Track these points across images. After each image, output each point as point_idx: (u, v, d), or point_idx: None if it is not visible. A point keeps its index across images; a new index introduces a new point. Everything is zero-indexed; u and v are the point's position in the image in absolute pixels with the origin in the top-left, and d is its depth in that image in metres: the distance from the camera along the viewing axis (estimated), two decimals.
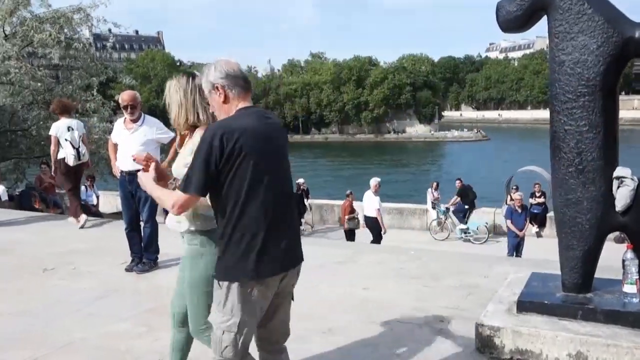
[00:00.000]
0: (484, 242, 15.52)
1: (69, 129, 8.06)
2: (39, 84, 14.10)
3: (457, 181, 17.48)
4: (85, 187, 15.49)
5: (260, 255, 2.48)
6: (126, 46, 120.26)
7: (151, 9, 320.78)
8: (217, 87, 2.59)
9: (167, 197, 2.60)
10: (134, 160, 3.03)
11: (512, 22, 3.62)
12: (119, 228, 6.63)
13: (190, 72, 3.05)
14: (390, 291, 5.08)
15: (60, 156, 8.11)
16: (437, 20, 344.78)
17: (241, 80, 2.62)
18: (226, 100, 2.60)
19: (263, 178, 2.49)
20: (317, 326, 4.23)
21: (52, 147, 8.15)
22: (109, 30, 17.90)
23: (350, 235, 14.02)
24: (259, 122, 2.56)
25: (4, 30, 13.49)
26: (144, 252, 6.00)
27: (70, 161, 8.07)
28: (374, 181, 13.29)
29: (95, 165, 15.77)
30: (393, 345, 3.91)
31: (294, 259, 2.66)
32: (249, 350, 2.64)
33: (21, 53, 13.77)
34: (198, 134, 2.89)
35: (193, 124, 2.99)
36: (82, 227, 8.34)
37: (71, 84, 15.03)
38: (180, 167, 2.87)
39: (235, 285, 2.49)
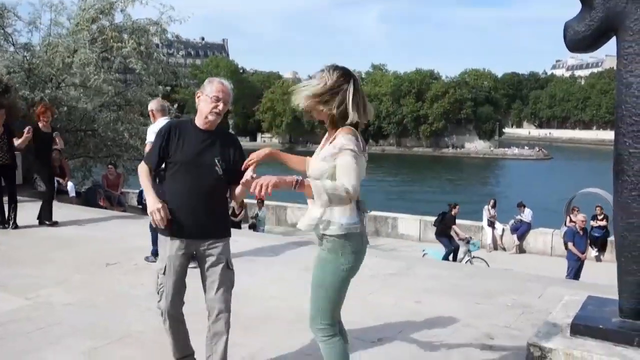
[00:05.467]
0: None
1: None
2: (111, 88, 14.68)
3: None
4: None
5: None
6: (192, 52, 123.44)
7: (217, 17, 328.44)
8: None
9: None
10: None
11: (580, 43, 3.57)
12: None
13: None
14: (443, 306, 5.06)
15: None
16: (502, 36, 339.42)
17: None
18: None
19: None
20: (367, 335, 4.27)
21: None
22: (177, 36, 18.41)
23: None
24: None
25: (84, 38, 14.01)
26: None
27: None
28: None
29: None
30: None
31: None
32: None
33: (99, 59, 14.30)
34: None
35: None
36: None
37: (140, 88, 15.59)
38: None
39: None
